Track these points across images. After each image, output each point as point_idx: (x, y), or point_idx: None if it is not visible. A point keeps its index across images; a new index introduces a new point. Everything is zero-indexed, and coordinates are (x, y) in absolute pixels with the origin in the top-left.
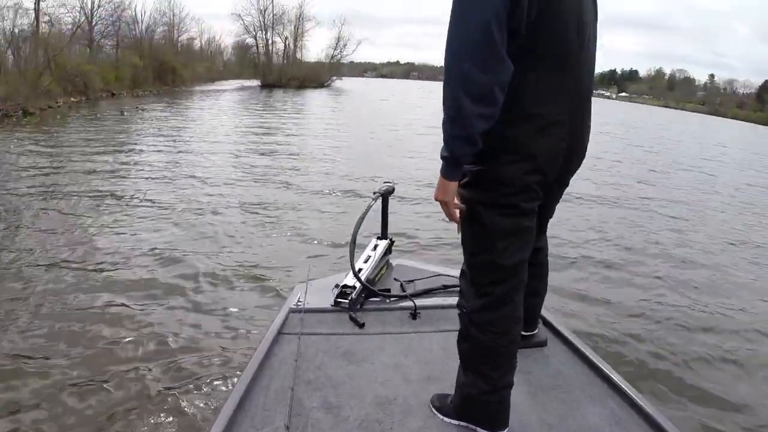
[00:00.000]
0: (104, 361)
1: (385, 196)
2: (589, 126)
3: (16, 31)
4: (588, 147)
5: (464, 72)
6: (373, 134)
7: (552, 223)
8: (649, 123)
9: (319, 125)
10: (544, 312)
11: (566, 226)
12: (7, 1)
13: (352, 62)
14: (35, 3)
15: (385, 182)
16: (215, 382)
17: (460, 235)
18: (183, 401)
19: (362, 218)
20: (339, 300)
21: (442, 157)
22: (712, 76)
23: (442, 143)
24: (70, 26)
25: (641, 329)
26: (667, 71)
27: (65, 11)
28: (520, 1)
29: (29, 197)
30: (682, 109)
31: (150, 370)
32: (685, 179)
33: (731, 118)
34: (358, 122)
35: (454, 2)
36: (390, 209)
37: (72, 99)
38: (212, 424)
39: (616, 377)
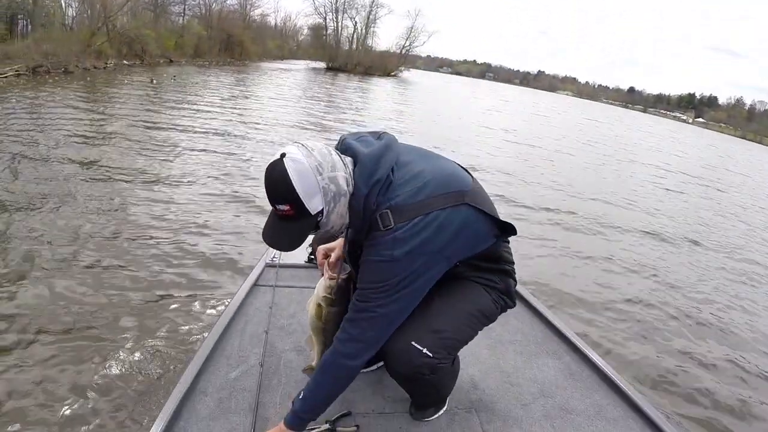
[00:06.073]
0: (89, 302)
1: None
2: None
3: None
4: None
5: None
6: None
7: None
8: None
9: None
10: None
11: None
12: None
13: (429, 56)
14: None
15: None
16: (193, 327)
17: None
18: (160, 343)
19: None
20: (312, 257)
21: None
22: None
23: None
24: None
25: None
26: (748, 102)
27: None
28: None
29: None
30: (759, 143)
31: (128, 312)
32: None
33: None
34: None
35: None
36: None
37: (125, 62)
38: (189, 363)
39: (570, 334)
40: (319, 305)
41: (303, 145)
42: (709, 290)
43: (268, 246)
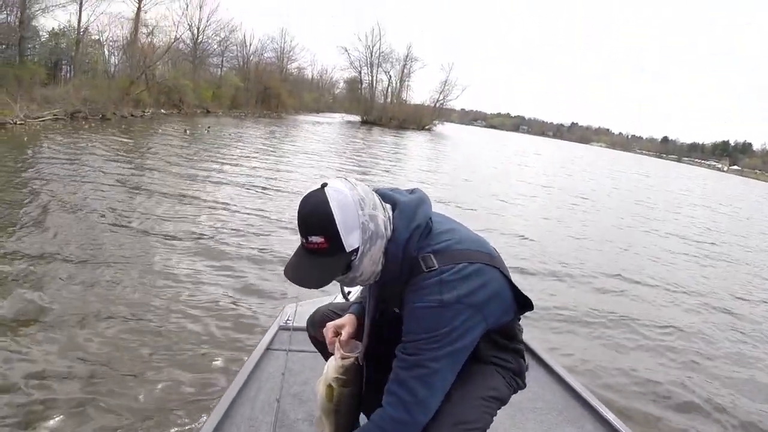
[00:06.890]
0: (92, 359)
1: None
2: None
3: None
4: None
5: None
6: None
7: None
8: None
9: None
10: (526, 338)
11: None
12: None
13: (463, 109)
14: (135, 12)
15: None
16: (202, 394)
17: None
18: (169, 412)
19: None
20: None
21: None
22: None
23: None
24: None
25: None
26: None
27: (168, 24)
28: None
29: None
30: None
31: (137, 376)
32: None
33: None
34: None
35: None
36: None
37: (162, 111)
38: None
39: (592, 400)
40: (330, 386)
41: (346, 179)
42: (753, 373)
43: (291, 282)
